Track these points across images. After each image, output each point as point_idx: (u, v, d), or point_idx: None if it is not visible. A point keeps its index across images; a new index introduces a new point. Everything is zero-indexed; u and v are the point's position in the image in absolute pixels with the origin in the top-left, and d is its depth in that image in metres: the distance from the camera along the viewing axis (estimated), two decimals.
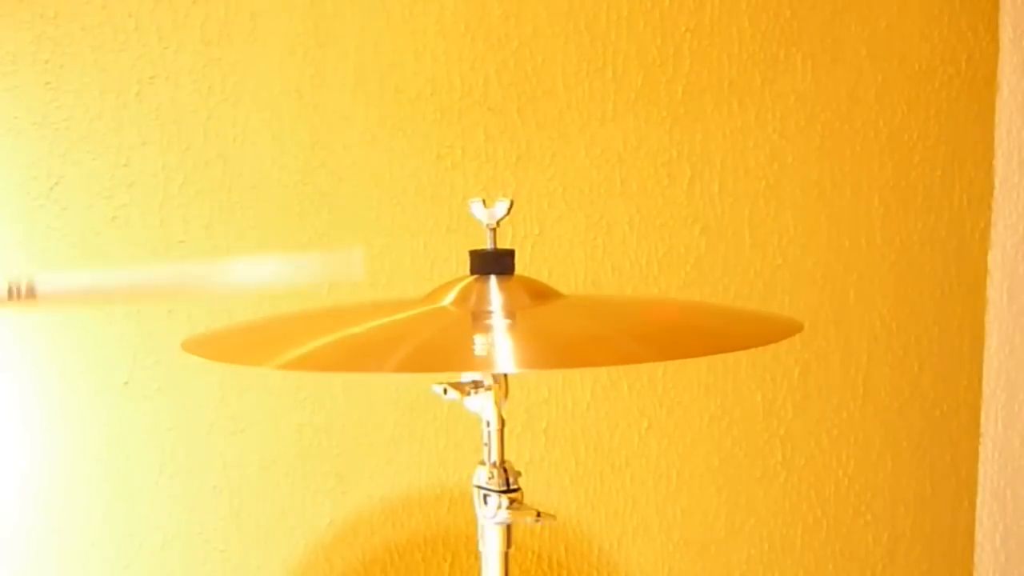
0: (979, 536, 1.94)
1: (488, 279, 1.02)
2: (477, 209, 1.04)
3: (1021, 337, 1.88)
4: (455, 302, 1.00)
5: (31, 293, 0.69)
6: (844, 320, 1.78)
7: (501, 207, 1.04)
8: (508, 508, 1.02)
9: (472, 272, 1.03)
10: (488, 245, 1.04)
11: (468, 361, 0.93)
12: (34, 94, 1.29)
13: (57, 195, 1.30)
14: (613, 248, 1.60)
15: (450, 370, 1.01)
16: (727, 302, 1.67)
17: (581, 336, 0.98)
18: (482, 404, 1.03)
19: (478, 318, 0.99)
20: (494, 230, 1.04)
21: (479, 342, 0.96)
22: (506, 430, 1.04)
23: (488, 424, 1.04)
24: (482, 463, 1.04)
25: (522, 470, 1.05)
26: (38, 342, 1.33)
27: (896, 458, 1.85)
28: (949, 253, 1.85)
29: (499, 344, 0.95)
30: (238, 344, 1.06)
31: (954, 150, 1.83)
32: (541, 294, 1.03)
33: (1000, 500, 1.92)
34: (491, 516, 1.03)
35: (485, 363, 0.93)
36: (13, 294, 0.68)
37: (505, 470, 1.04)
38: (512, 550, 1.05)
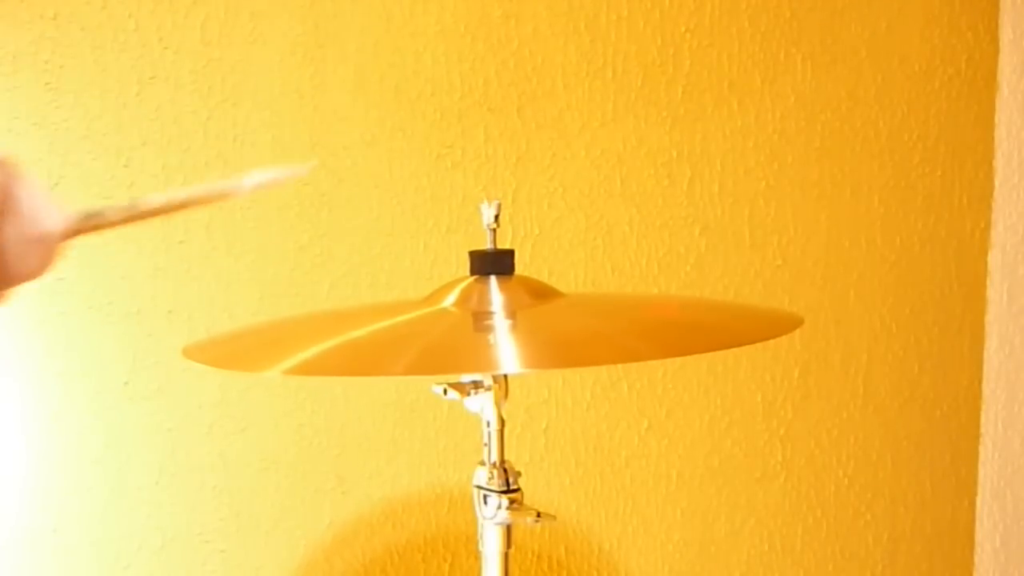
0: (979, 536, 1.94)
1: (488, 279, 1.02)
2: (486, 210, 1.04)
3: (1021, 337, 1.88)
4: (456, 303, 1.00)
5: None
6: (844, 320, 1.78)
7: (499, 207, 1.04)
8: (508, 508, 1.02)
9: (472, 272, 1.03)
10: (488, 245, 1.04)
11: (473, 362, 0.93)
12: (34, 94, 1.29)
13: (57, 195, 1.30)
14: (613, 248, 1.59)
15: (456, 372, 1.01)
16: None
17: (583, 334, 0.98)
18: (482, 404, 1.03)
19: (480, 319, 0.99)
20: (494, 230, 1.04)
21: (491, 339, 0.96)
22: (506, 430, 1.04)
23: (488, 424, 1.04)
24: (482, 463, 1.05)
25: (522, 470, 1.05)
26: (38, 342, 1.33)
27: (896, 458, 1.84)
28: (949, 253, 1.85)
29: (502, 345, 0.95)
30: (240, 350, 1.05)
31: (954, 150, 1.83)
32: (541, 293, 1.03)
33: (1000, 500, 1.92)
34: (491, 516, 1.03)
35: (490, 364, 0.93)
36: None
37: (505, 470, 1.04)
38: (512, 550, 1.05)
